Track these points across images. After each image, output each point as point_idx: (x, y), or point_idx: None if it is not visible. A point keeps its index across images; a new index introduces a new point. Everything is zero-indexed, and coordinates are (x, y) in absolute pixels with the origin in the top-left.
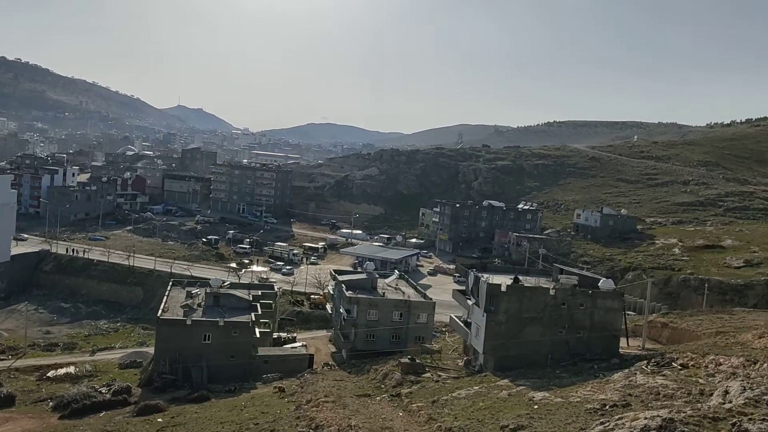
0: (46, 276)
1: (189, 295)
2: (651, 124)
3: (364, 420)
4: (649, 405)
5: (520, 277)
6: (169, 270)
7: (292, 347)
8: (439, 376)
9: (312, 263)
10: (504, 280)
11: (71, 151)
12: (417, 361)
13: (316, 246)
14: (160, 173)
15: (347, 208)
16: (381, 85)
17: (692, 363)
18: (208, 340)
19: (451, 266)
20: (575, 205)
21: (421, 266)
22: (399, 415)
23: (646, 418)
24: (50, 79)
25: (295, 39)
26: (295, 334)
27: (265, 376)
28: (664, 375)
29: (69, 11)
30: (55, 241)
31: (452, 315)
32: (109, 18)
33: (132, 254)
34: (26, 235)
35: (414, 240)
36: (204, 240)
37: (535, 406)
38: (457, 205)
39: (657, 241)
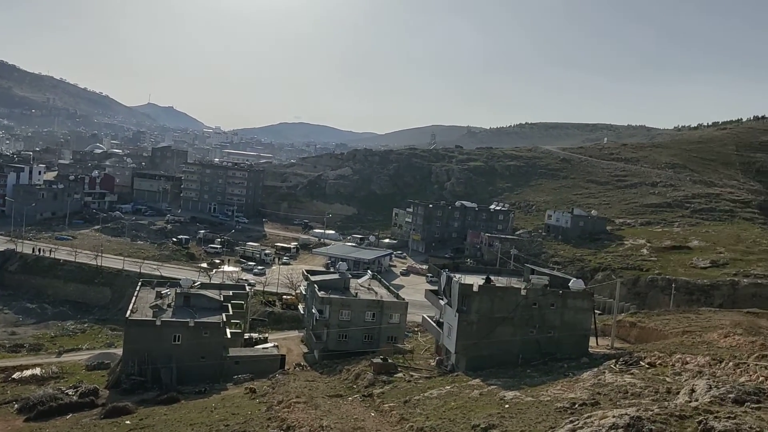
0: (11, 276)
1: (158, 296)
2: (620, 126)
3: (336, 420)
4: (618, 403)
5: (492, 278)
6: (138, 270)
7: (263, 348)
8: (411, 376)
9: (284, 263)
10: (476, 281)
11: (38, 149)
12: (389, 361)
13: (289, 246)
14: (130, 172)
15: (320, 208)
16: (355, 85)
17: (659, 362)
18: (178, 341)
19: (424, 266)
20: (546, 206)
21: (394, 266)
22: (371, 415)
23: (614, 417)
24: (17, 76)
25: (269, 38)
26: (266, 335)
27: (236, 377)
28: (632, 374)
29: (38, 8)
30: (20, 241)
31: (425, 315)
32: (79, 15)
33: (100, 254)
34: None
35: (387, 240)
36: (174, 240)
37: (506, 406)
38: (430, 206)
39: (626, 242)
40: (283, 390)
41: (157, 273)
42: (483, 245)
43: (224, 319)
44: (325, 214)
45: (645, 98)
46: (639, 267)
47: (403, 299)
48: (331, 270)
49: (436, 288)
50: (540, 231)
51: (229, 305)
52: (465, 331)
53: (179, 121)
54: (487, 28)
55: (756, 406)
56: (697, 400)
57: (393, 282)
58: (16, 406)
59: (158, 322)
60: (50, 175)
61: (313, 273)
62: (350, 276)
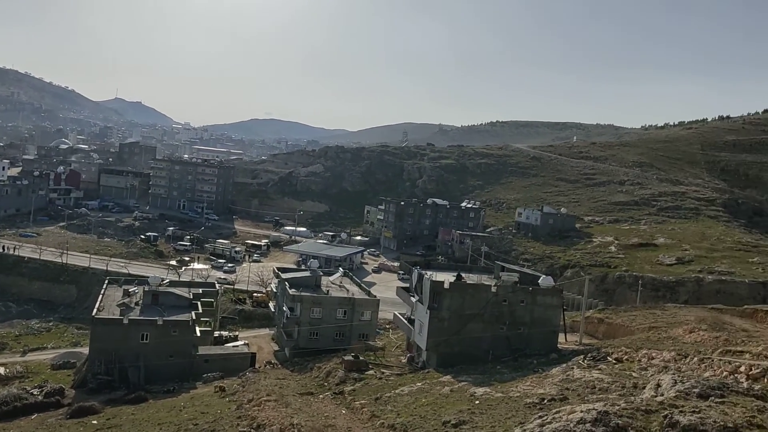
0: None
1: (126, 294)
2: (589, 125)
3: (307, 418)
4: (586, 398)
5: (463, 275)
6: (104, 268)
7: (233, 346)
8: (383, 373)
9: (255, 261)
10: (447, 278)
11: (1, 144)
12: (360, 358)
13: (259, 243)
14: (96, 168)
15: (291, 205)
16: (326, 82)
17: (626, 357)
18: (146, 339)
19: (396, 264)
20: (517, 203)
21: (366, 264)
22: (342, 412)
23: (582, 412)
24: None
25: (240, 33)
26: (236, 333)
27: (205, 375)
28: (599, 369)
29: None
30: None
31: (396, 312)
32: (43, 7)
33: (65, 251)
34: None
35: (359, 237)
36: (142, 237)
37: (477, 402)
38: (402, 203)
39: (594, 240)
40: (253, 388)
41: (125, 271)
42: (454, 242)
43: (193, 317)
44: (297, 211)
45: (613, 97)
46: (607, 264)
47: (375, 296)
48: (303, 267)
49: (407, 285)
50: (510, 228)
51: (199, 303)
52: (436, 328)
53: (148, 117)
54: (457, 27)
55: (720, 400)
56: (662, 395)
57: (365, 279)
58: None
59: (125, 321)
60: (14, 171)
61: (284, 270)
62: (321, 273)
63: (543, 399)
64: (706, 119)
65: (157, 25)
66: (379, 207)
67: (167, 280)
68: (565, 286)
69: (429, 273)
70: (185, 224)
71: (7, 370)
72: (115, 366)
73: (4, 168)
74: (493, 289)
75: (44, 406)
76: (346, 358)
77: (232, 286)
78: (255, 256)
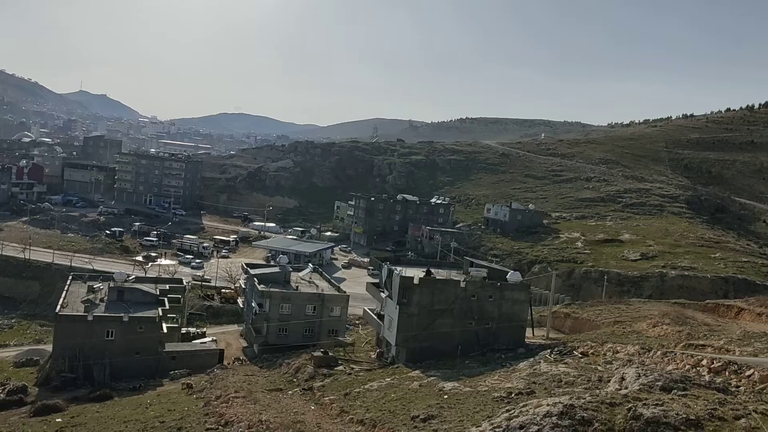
0: None
1: (90, 290)
2: (557, 122)
3: (276, 414)
4: (552, 392)
5: (432, 270)
6: (68, 263)
7: (201, 342)
8: (352, 368)
9: (223, 256)
10: (417, 273)
11: None
12: (330, 354)
13: (228, 239)
14: (60, 161)
15: (260, 200)
16: (297, 77)
17: (592, 351)
18: (111, 336)
19: (366, 259)
20: (486, 199)
21: (336, 259)
22: (311, 408)
23: (548, 405)
24: None
25: (210, 27)
26: (204, 329)
27: (172, 372)
28: (566, 363)
29: None
30: None
31: (366, 308)
32: None
33: (28, 247)
34: None
35: (329, 233)
36: (107, 232)
37: (445, 396)
38: (372, 199)
39: (561, 235)
40: (221, 385)
41: (89, 267)
42: (424, 238)
43: (160, 314)
44: (266, 206)
45: (580, 95)
46: (574, 259)
47: (345, 292)
48: (272, 263)
49: (377, 281)
50: (479, 224)
51: (166, 299)
52: (405, 324)
53: (113, 110)
54: (428, 23)
55: (682, 393)
56: (626, 388)
57: (334, 275)
58: None
59: (90, 317)
60: None
61: (253, 266)
62: (291, 269)
63: (510, 393)
64: (671, 117)
65: (123, 16)
66: (349, 203)
67: (133, 276)
68: (533, 281)
69: (398, 268)
70: (152, 219)
71: None
72: (79, 363)
73: None
74: (462, 285)
75: (6, 405)
76: (315, 354)
77: (207, 283)
78: (223, 252)
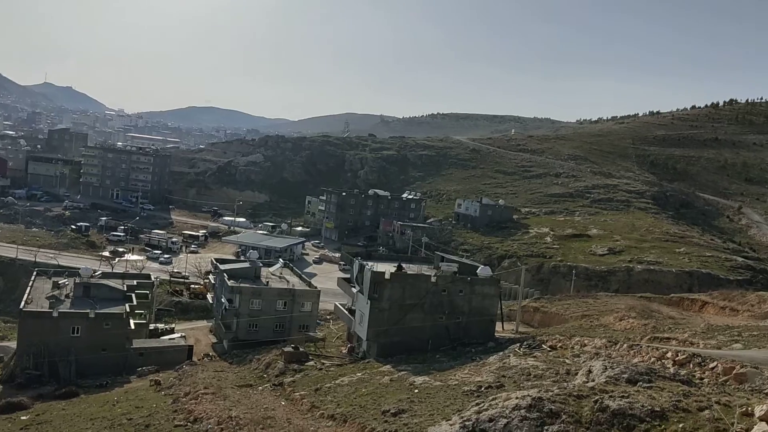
0: None
1: (56, 286)
2: (527, 118)
3: (245, 411)
4: (521, 385)
5: (404, 265)
6: (33, 259)
7: (170, 338)
8: (323, 364)
9: (192, 252)
10: (388, 268)
11: None
12: (300, 349)
13: (197, 234)
14: (24, 155)
15: (230, 195)
16: (267, 71)
17: (560, 345)
18: (77, 332)
19: (337, 254)
20: (456, 195)
21: (307, 254)
22: (281, 404)
23: (517, 398)
24: None
25: (179, 18)
26: (173, 325)
27: (140, 369)
28: (534, 357)
29: None
30: None
31: (337, 303)
32: None
33: None
34: None
35: (300, 228)
36: (73, 227)
37: (416, 390)
38: (344, 194)
39: (531, 230)
40: (190, 381)
41: (54, 262)
42: (395, 233)
43: (127, 310)
44: (236, 201)
45: (550, 92)
46: (543, 254)
47: (315, 287)
48: (242, 258)
49: (348, 276)
50: (450, 219)
51: (133, 295)
52: (376, 318)
53: (79, 103)
54: (400, 18)
55: (648, 385)
56: (593, 381)
57: (305, 270)
58: None
59: (55, 314)
60: None
61: (223, 262)
62: (261, 264)
63: (480, 386)
64: (638, 114)
65: (90, 7)
66: (321, 198)
67: (99, 272)
68: (503, 276)
69: (370, 264)
70: (119, 214)
71: None
72: (44, 360)
73: None
74: (433, 279)
75: None
76: (285, 349)
77: (186, 279)
78: (192, 247)
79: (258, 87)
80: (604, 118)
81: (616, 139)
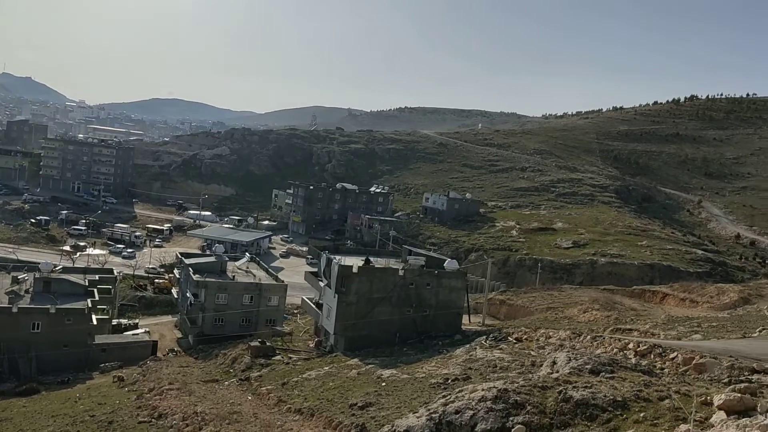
0: None
1: (15, 281)
2: (494, 113)
3: (211, 406)
4: (487, 377)
5: (371, 259)
6: None
7: (133, 334)
8: (290, 358)
9: (156, 246)
10: (355, 262)
11: None
12: (267, 344)
13: (161, 228)
14: None
15: (195, 188)
16: (233, 63)
17: (526, 337)
18: (38, 328)
19: (304, 248)
20: (424, 188)
21: (274, 248)
22: (248, 399)
23: (483, 390)
24: None
25: (140, 8)
26: (137, 321)
27: (103, 365)
28: (500, 349)
29: None
30: None
31: (304, 297)
32: None
33: None
34: None
35: (266, 222)
36: (33, 221)
37: (383, 384)
38: (311, 187)
39: (497, 224)
40: (154, 377)
41: (13, 257)
42: (363, 227)
43: (89, 305)
44: (201, 194)
45: (516, 87)
46: (509, 248)
47: (283, 281)
48: (208, 253)
49: (316, 270)
50: (418, 213)
51: (95, 290)
52: (344, 312)
53: (38, 93)
54: (366, 12)
55: (610, 375)
56: (557, 372)
57: (272, 264)
58: None
59: (14, 309)
60: None
61: (188, 256)
62: (227, 259)
63: (447, 379)
64: (602, 110)
65: None
66: (288, 191)
67: (60, 267)
68: (470, 269)
69: (337, 257)
70: (80, 208)
71: None
72: (4, 357)
73: None
74: (401, 273)
75: None
76: (252, 343)
77: (161, 275)
78: (157, 241)
79: (224, 79)
80: (569, 113)
81: (581, 133)
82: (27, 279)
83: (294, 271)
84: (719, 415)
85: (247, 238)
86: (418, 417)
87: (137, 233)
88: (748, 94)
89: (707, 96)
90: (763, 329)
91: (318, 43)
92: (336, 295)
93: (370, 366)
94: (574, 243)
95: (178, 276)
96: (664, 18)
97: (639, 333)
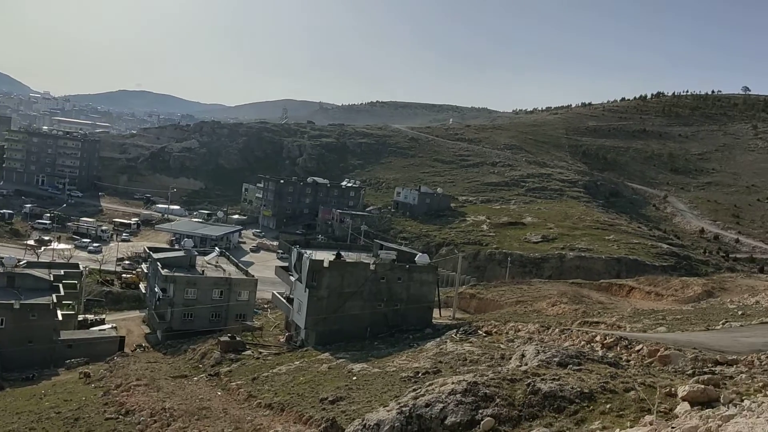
0: None
1: None
2: (465, 108)
3: (180, 402)
4: (457, 370)
5: (342, 253)
6: None
7: (100, 330)
8: (260, 353)
9: (123, 240)
10: (326, 256)
11: None
12: (237, 339)
13: (129, 222)
14: None
15: (164, 182)
16: (203, 54)
17: (495, 330)
18: (1, 324)
19: (275, 243)
20: (395, 183)
21: (244, 243)
22: (217, 394)
23: (453, 383)
24: None
25: None
26: (103, 316)
27: (68, 361)
28: (470, 342)
29: None
30: None
31: (275, 291)
32: None
33: None
34: None
35: (236, 216)
36: None
37: (354, 378)
38: (282, 181)
39: (468, 218)
40: (121, 373)
41: None
42: (334, 221)
43: (54, 300)
44: (170, 188)
45: (486, 82)
46: (479, 242)
47: (253, 276)
48: (176, 247)
49: (286, 264)
50: (389, 208)
51: (61, 285)
52: (315, 307)
53: (1, 84)
54: (337, 4)
55: (577, 368)
56: (526, 365)
57: (243, 259)
58: None
59: None
60: None
61: (156, 250)
62: (196, 253)
63: (418, 372)
64: (571, 105)
65: None
66: (258, 185)
67: (24, 261)
68: (440, 263)
69: (308, 252)
70: (45, 201)
71: None
72: None
73: None
74: (372, 267)
75: None
76: (222, 338)
77: (130, 272)
78: (124, 236)
79: (193, 71)
80: (539, 108)
81: (550, 129)
82: None
83: (264, 266)
84: (683, 406)
85: (217, 233)
86: (388, 411)
87: (103, 227)
88: (713, 91)
89: (673, 93)
90: (726, 322)
91: (289, 36)
92: (307, 290)
93: (341, 360)
94: (543, 237)
95: (146, 271)
96: (632, 14)
97: (606, 326)
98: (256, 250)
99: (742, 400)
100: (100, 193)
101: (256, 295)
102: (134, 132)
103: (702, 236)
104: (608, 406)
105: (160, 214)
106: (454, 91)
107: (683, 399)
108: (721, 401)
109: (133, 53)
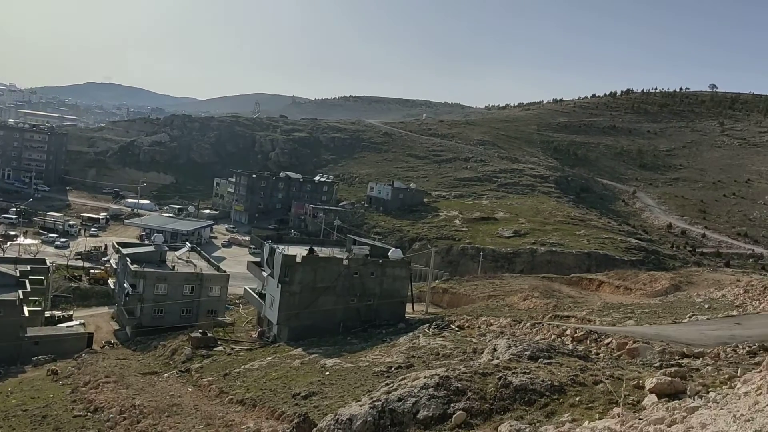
0: None
1: None
2: (438, 103)
3: (150, 398)
4: (430, 365)
5: (315, 248)
6: None
7: (67, 326)
8: (232, 348)
9: (92, 235)
10: (299, 251)
11: None
12: (208, 334)
13: (97, 216)
14: None
15: (133, 176)
16: (173, 47)
17: (468, 324)
18: None
19: (247, 238)
20: (369, 178)
21: (215, 238)
22: (188, 390)
23: (425, 377)
24: None
25: None
26: (71, 312)
27: (35, 358)
28: (443, 337)
29: None
30: None
31: (246, 287)
32: None
33: None
34: None
35: (208, 211)
36: None
37: (327, 373)
38: (254, 176)
39: (441, 214)
40: (90, 370)
41: None
42: (307, 216)
43: (21, 296)
44: (140, 182)
45: (459, 78)
46: (452, 237)
47: (224, 271)
48: (146, 242)
49: (258, 260)
50: (362, 203)
51: (27, 281)
52: (287, 302)
53: None
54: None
55: (548, 361)
56: (498, 359)
57: (214, 254)
58: None
59: None
60: None
61: (126, 245)
62: (167, 248)
63: (390, 367)
64: (542, 102)
65: None
66: (230, 179)
67: None
68: (413, 258)
69: (281, 247)
70: (10, 195)
71: None
72: None
73: None
74: (345, 262)
75: None
76: (193, 334)
77: (104, 272)
78: (92, 231)
79: (163, 64)
80: (511, 104)
81: (522, 125)
82: None
83: (236, 261)
84: (651, 398)
85: (188, 228)
86: (361, 405)
87: (71, 222)
88: (681, 89)
89: (642, 90)
90: (693, 315)
91: (262, 30)
92: (279, 285)
93: (314, 355)
94: (515, 232)
95: (114, 266)
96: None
97: (576, 319)
98: (227, 245)
99: (708, 392)
100: (67, 188)
101: (228, 290)
102: (103, 125)
103: (670, 231)
104: (578, 398)
105: (129, 209)
106: (427, 87)
107: (651, 391)
108: (688, 393)
109: (102, 45)
